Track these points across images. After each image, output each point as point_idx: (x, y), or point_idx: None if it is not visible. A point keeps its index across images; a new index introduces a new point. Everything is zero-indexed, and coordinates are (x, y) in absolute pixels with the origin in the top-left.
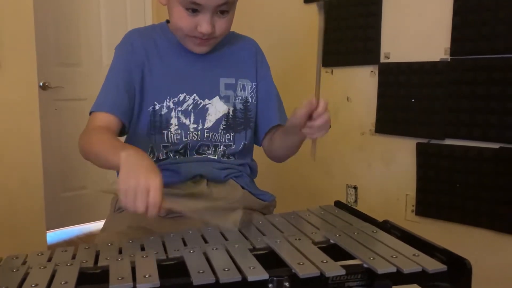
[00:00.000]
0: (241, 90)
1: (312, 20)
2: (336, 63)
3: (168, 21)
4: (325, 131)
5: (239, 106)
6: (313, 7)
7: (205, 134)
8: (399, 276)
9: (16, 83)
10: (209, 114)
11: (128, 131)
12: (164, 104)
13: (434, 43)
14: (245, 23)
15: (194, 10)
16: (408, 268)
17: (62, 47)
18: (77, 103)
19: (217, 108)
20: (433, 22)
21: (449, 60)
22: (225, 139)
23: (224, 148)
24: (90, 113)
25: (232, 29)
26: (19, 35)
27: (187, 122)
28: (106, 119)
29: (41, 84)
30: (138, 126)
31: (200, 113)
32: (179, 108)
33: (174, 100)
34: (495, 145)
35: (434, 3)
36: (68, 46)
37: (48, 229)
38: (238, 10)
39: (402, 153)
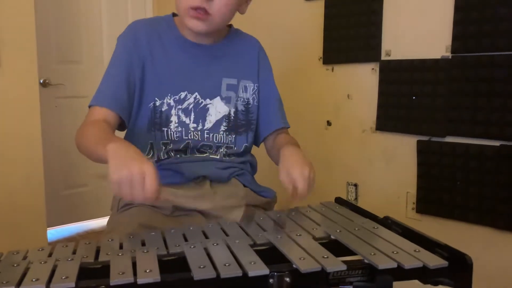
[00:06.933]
0: (243, 91)
1: (313, 18)
2: (337, 61)
3: (173, 14)
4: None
5: (240, 107)
6: (315, 5)
7: (205, 135)
8: (400, 271)
9: (16, 80)
10: (209, 114)
11: (127, 126)
12: (165, 101)
13: (436, 41)
14: (246, 21)
15: None
16: (409, 263)
17: (62, 44)
18: (78, 100)
19: (217, 109)
20: (435, 19)
21: (450, 57)
22: (227, 141)
23: (226, 149)
24: (90, 106)
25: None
26: (20, 32)
27: (187, 121)
28: (104, 113)
29: (41, 81)
30: (138, 121)
31: (201, 112)
32: (180, 106)
33: (175, 98)
34: (496, 143)
35: (436, 0)
36: (69, 43)
37: (49, 226)
38: None
39: (403, 150)
